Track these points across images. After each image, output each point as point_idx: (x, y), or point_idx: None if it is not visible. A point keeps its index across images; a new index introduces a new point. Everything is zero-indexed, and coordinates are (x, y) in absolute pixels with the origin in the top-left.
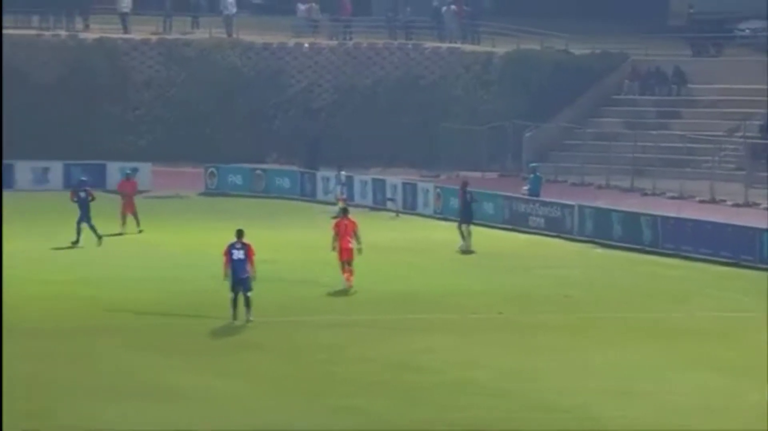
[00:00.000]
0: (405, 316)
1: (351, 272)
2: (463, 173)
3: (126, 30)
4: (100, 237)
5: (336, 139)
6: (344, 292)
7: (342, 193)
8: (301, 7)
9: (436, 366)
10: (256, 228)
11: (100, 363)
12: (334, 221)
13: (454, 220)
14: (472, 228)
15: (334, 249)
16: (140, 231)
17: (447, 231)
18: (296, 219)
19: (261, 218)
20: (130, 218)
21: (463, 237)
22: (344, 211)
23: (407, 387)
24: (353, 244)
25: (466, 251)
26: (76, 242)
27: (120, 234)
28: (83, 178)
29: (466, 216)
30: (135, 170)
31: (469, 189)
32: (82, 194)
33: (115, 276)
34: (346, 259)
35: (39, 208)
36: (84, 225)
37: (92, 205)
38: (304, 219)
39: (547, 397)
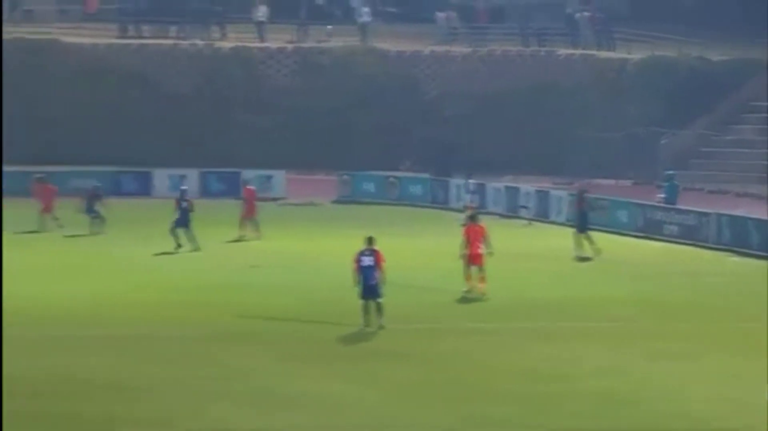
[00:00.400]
0: (537, 324)
1: (483, 278)
2: (595, 181)
3: (262, 39)
4: (197, 247)
5: (469, 146)
6: (474, 299)
7: (471, 201)
8: (440, 15)
9: (570, 374)
10: (387, 236)
11: (230, 369)
12: (463, 228)
13: (587, 228)
14: (590, 235)
15: (462, 256)
16: (258, 238)
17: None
18: (428, 226)
19: (393, 225)
20: (249, 224)
21: (578, 245)
22: (472, 218)
23: (541, 396)
24: (483, 250)
25: (583, 258)
26: (179, 246)
27: (238, 240)
28: (183, 187)
29: (582, 224)
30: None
31: (586, 196)
32: (184, 204)
33: (247, 282)
34: (476, 265)
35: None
36: (180, 232)
37: (217, 210)
38: (436, 226)
39: (686, 407)
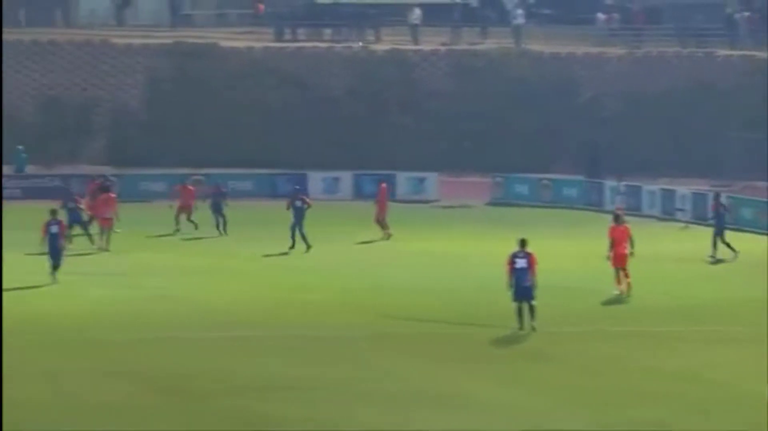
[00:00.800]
0: (689, 328)
1: (626, 279)
2: (759, 183)
3: (416, 41)
4: (309, 246)
5: (623, 148)
6: (626, 302)
7: (620, 202)
8: (601, 16)
9: (726, 379)
10: (540, 238)
11: (380, 370)
12: (609, 228)
13: (747, 231)
14: (725, 236)
15: (609, 258)
16: (388, 237)
17: (738, 243)
18: (581, 229)
19: (546, 228)
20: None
21: (715, 247)
22: (616, 218)
23: (700, 400)
24: (628, 250)
25: (716, 261)
26: (291, 247)
27: (370, 242)
28: (297, 187)
29: (719, 226)
30: (387, 176)
31: (721, 199)
32: (298, 203)
33: (398, 284)
34: (621, 266)
35: (329, 216)
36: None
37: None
38: (590, 229)
39: None
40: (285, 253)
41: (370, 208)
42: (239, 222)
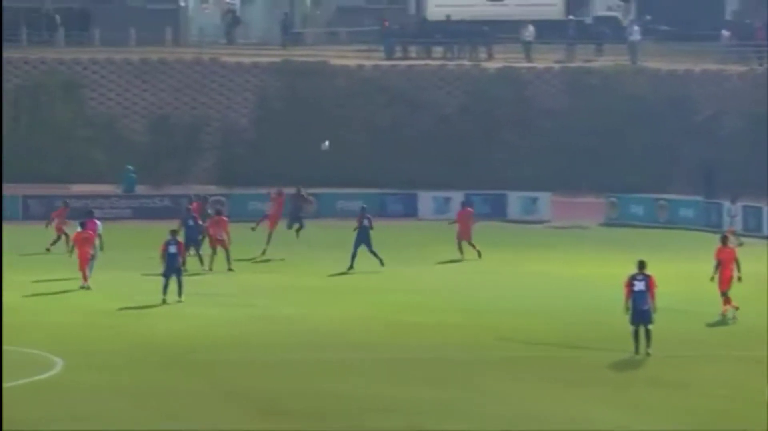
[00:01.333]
0: None
1: (727, 302)
2: None
3: (529, 59)
4: (381, 262)
5: (742, 167)
6: (738, 325)
7: (731, 224)
8: (725, 33)
9: None
10: (657, 261)
11: (489, 392)
12: (715, 250)
13: None
14: None
15: (712, 279)
16: (479, 256)
17: None
18: (699, 251)
19: (663, 250)
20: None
21: None
22: (724, 240)
23: None
24: (735, 273)
25: None
26: (350, 268)
27: (458, 260)
28: (364, 205)
29: None
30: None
31: None
32: (365, 222)
33: (509, 306)
34: (724, 290)
35: (439, 236)
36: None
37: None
38: (707, 251)
39: None
40: (396, 274)
41: (482, 228)
42: (350, 242)
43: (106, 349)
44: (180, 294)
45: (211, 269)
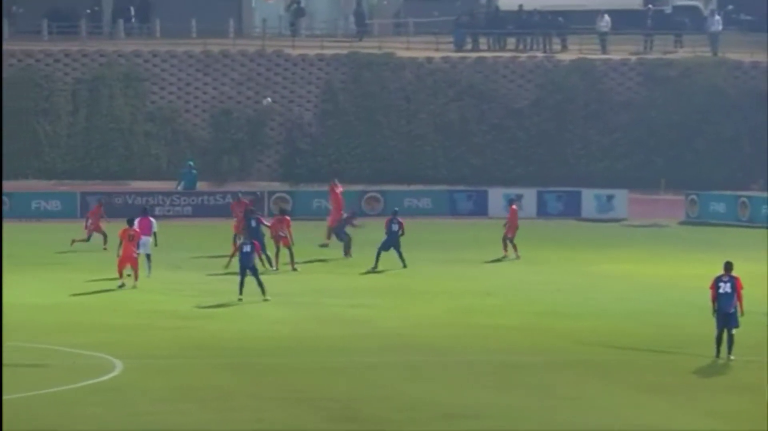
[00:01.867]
0: None
1: None
2: None
3: (604, 50)
4: (405, 264)
5: None
6: None
7: None
8: None
9: None
10: (739, 260)
11: (567, 398)
12: None
13: None
14: None
15: None
16: (517, 257)
17: None
18: None
19: (744, 249)
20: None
21: None
22: None
23: None
24: None
25: None
26: (374, 268)
27: (501, 259)
28: (396, 209)
29: None
30: (519, 196)
31: None
32: (395, 226)
33: (582, 308)
34: None
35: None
36: (387, 253)
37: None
38: None
39: None
40: (465, 274)
41: (555, 227)
42: (417, 241)
43: (167, 352)
44: (263, 292)
45: (277, 269)
